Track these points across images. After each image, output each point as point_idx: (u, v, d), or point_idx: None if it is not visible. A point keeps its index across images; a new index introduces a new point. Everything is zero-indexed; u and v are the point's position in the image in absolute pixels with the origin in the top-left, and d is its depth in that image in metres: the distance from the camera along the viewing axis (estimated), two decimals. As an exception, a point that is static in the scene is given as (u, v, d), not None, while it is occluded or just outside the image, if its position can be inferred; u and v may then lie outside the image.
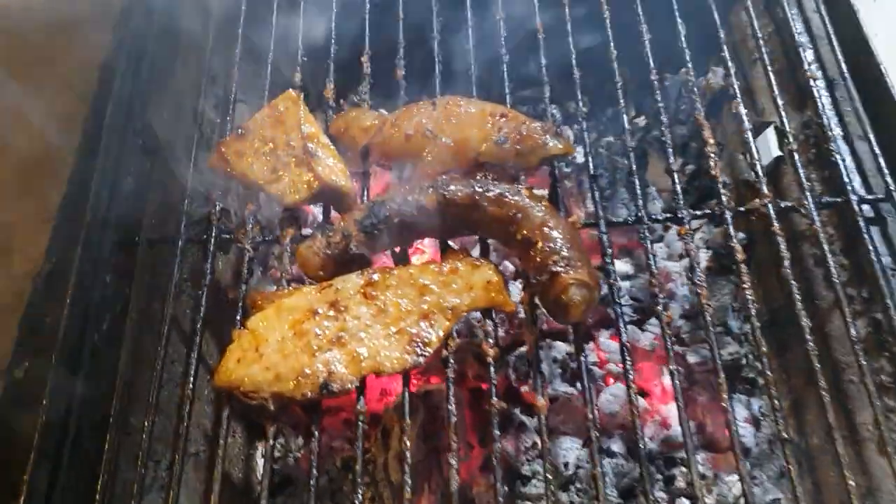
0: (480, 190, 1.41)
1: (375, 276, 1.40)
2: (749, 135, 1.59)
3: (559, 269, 1.32)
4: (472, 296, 1.40)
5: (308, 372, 1.31)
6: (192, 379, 1.38)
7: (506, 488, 1.59)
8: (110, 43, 3.02)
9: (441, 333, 1.36)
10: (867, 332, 1.45)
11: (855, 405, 1.46)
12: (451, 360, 1.36)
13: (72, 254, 1.54)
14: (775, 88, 1.64)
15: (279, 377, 1.31)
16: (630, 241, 1.88)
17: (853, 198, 1.48)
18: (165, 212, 1.60)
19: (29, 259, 2.72)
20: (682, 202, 1.51)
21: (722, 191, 1.53)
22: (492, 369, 1.36)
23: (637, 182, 1.54)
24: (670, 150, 1.57)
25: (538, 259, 1.35)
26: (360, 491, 1.27)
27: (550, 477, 1.35)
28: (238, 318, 1.42)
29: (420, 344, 1.35)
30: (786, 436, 1.29)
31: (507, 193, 1.40)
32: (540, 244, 1.36)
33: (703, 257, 1.82)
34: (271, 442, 1.33)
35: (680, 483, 1.62)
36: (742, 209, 1.52)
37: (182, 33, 1.84)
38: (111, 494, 1.33)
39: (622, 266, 1.86)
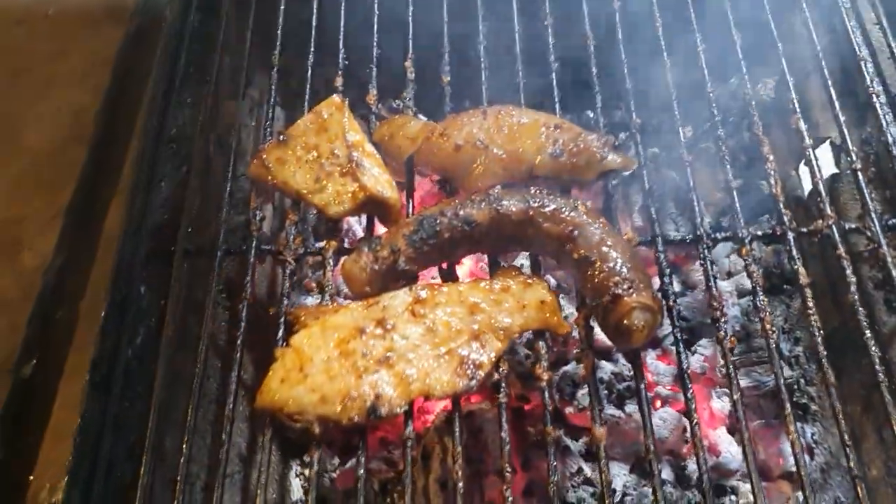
0: (535, 205, 1.35)
1: (424, 294, 1.34)
2: (811, 151, 1.53)
3: (621, 291, 1.26)
4: (524, 316, 1.34)
5: (355, 395, 1.25)
6: (232, 399, 1.31)
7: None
8: (123, 36, 2.95)
9: (493, 355, 1.30)
10: (935, 359, 1.39)
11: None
12: (504, 385, 1.30)
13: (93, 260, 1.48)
14: (836, 103, 1.58)
15: (325, 399, 1.25)
16: (677, 256, 1.82)
17: (921, 223, 1.42)
18: (202, 221, 1.54)
19: (38, 255, 2.67)
20: (741, 221, 1.45)
21: (781, 207, 1.47)
22: (546, 394, 1.29)
23: (695, 198, 1.48)
24: (728, 165, 1.51)
25: (597, 280, 1.29)
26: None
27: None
28: (280, 335, 1.35)
29: (472, 367, 1.29)
30: (855, 471, 1.24)
31: (563, 209, 1.34)
32: (599, 264, 1.30)
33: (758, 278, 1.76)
34: (315, 468, 1.26)
35: (730, 511, 1.57)
36: (805, 230, 1.46)
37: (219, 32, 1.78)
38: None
39: (674, 286, 1.80)
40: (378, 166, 1.47)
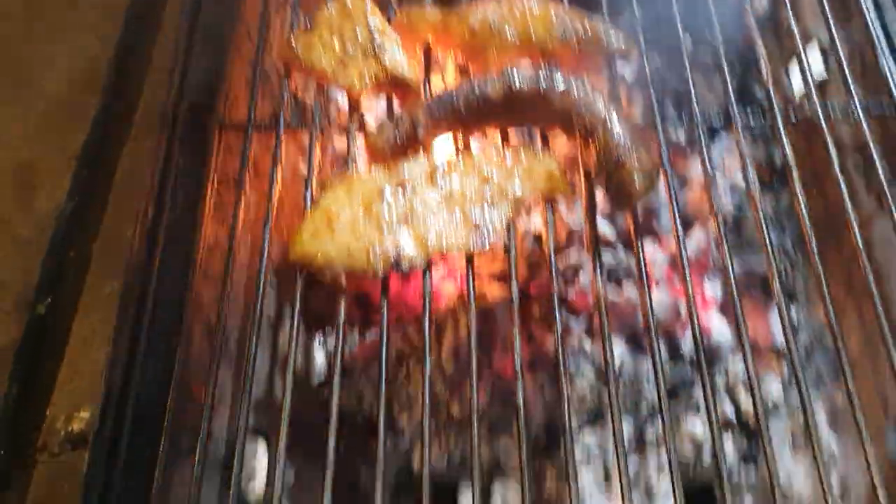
0: (546, 82, 1.45)
1: (441, 163, 1.45)
2: (800, 47, 1.64)
3: (623, 156, 1.37)
4: (534, 184, 1.45)
5: (378, 250, 1.36)
6: (263, 264, 1.41)
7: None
8: None
9: (504, 218, 1.41)
10: (911, 235, 1.50)
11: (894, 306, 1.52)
12: (514, 247, 1.41)
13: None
14: (824, 3, 1.68)
15: (351, 253, 1.36)
16: (677, 155, 1.93)
17: (897, 107, 1.54)
18: (233, 102, 1.64)
19: (52, 198, 2.77)
20: (735, 108, 1.56)
21: (773, 99, 1.58)
22: (553, 261, 1.40)
23: (693, 92, 1.59)
24: (724, 62, 1.62)
25: (601, 148, 1.40)
26: (429, 360, 1.31)
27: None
28: (308, 197, 1.46)
29: (484, 228, 1.40)
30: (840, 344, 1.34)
31: (572, 86, 1.45)
32: (603, 134, 1.41)
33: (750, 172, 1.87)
34: (342, 317, 1.36)
35: (719, 386, 1.69)
36: (793, 119, 1.57)
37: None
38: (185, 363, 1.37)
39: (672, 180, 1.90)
40: (398, 49, 1.58)
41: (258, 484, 1.40)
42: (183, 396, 1.35)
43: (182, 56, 1.61)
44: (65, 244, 2.50)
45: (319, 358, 1.78)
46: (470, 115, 1.47)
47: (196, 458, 1.26)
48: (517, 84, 1.46)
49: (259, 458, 1.43)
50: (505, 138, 1.54)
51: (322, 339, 1.80)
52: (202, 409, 1.30)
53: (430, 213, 1.41)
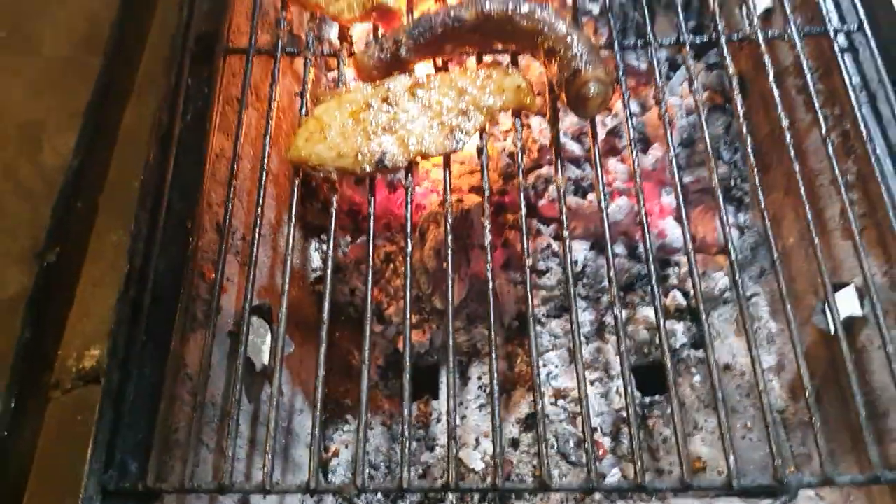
0: (513, 6, 1.64)
1: (422, 79, 1.64)
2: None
3: (580, 67, 1.56)
4: (504, 98, 1.64)
5: (365, 151, 1.56)
6: (265, 160, 1.61)
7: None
8: None
9: (476, 125, 1.60)
10: (838, 140, 1.70)
11: (825, 204, 1.72)
12: (485, 150, 1.61)
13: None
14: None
15: (341, 154, 1.56)
16: (637, 84, 2.12)
17: (830, 28, 1.72)
18: (235, 30, 1.83)
19: (59, 153, 2.92)
20: (685, 31, 1.75)
21: (719, 24, 1.77)
22: (520, 160, 1.60)
23: (647, 16, 1.78)
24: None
25: (563, 62, 1.59)
26: (409, 241, 1.51)
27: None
28: (302, 109, 1.65)
29: (459, 132, 1.59)
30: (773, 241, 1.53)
31: (536, 9, 1.64)
32: (564, 50, 1.60)
33: (702, 96, 2.07)
34: (334, 205, 1.56)
35: (672, 280, 1.90)
36: (737, 38, 1.76)
37: None
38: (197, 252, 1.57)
39: (634, 106, 2.10)
40: (384, -20, 1.77)
41: (263, 357, 1.60)
42: (196, 277, 1.55)
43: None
44: (72, 196, 2.65)
45: (315, 260, 1.99)
46: (446, 36, 1.66)
47: (208, 327, 1.46)
48: (488, 7, 1.65)
49: (262, 334, 1.63)
50: (479, 59, 1.73)
51: (318, 244, 2.01)
52: (213, 287, 1.51)
53: (411, 120, 1.60)
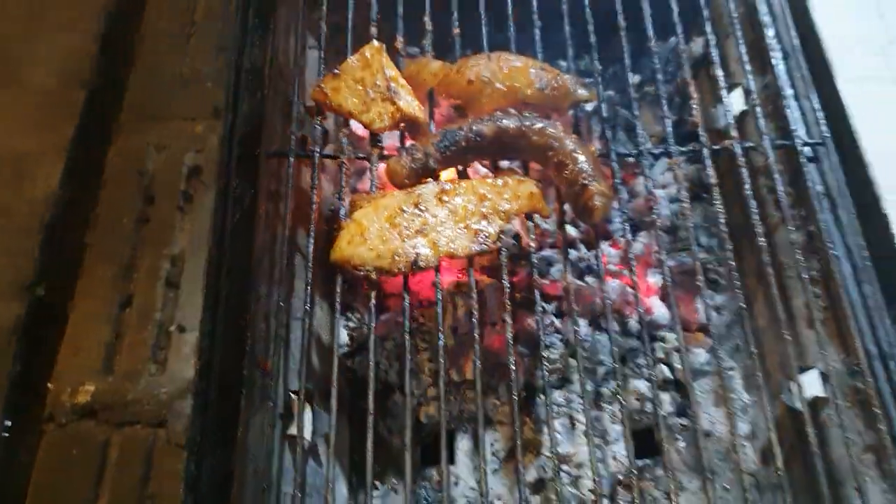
0: (528, 124, 1.88)
1: (448, 186, 1.87)
2: (724, 92, 2.09)
3: (587, 181, 1.81)
4: (519, 202, 1.87)
5: (401, 253, 1.78)
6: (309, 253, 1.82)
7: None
8: None
9: (497, 229, 1.84)
10: (803, 240, 1.96)
11: (792, 294, 1.99)
12: (504, 249, 1.84)
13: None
14: (744, 57, 2.13)
15: (380, 256, 1.78)
16: (626, 174, 2.38)
17: (798, 142, 2.00)
18: (274, 133, 2.04)
19: (46, 186, 3.04)
20: (672, 141, 2.01)
21: (701, 133, 2.03)
22: (533, 259, 1.84)
23: (638, 125, 2.04)
24: (664, 100, 2.06)
25: (570, 176, 1.83)
26: (441, 333, 1.74)
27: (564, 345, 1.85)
28: (343, 214, 1.87)
29: (482, 235, 1.83)
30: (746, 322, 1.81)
31: (547, 127, 1.88)
32: (571, 165, 1.85)
33: (683, 188, 2.33)
34: (373, 300, 1.78)
35: (659, 354, 2.16)
36: (716, 147, 2.03)
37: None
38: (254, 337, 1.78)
39: (622, 194, 2.34)
40: (409, 94, 1.99)
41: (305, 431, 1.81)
42: (252, 366, 1.76)
43: (231, 99, 1.98)
44: (60, 229, 2.78)
45: (343, 335, 2.20)
46: (469, 149, 1.89)
47: (268, 411, 1.67)
48: (504, 124, 1.89)
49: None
50: (495, 167, 1.97)
51: (345, 322, 2.22)
52: (266, 376, 1.72)
53: (440, 224, 1.83)
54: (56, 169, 3.20)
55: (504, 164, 2.00)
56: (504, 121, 1.88)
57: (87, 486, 1.89)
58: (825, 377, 1.81)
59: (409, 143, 1.97)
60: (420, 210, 1.83)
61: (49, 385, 2.68)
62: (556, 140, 1.86)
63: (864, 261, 1.84)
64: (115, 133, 3.44)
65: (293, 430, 1.74)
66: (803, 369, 1.87)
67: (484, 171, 2.05)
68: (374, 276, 1.77)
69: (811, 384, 1.85)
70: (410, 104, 1.96)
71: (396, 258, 1.77)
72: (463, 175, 1.96)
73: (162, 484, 1.92)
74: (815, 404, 1.85)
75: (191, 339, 2.36)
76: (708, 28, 2.18)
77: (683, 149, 2.03)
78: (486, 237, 1.82)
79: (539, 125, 1.88)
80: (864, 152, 1.91)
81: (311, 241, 1.84)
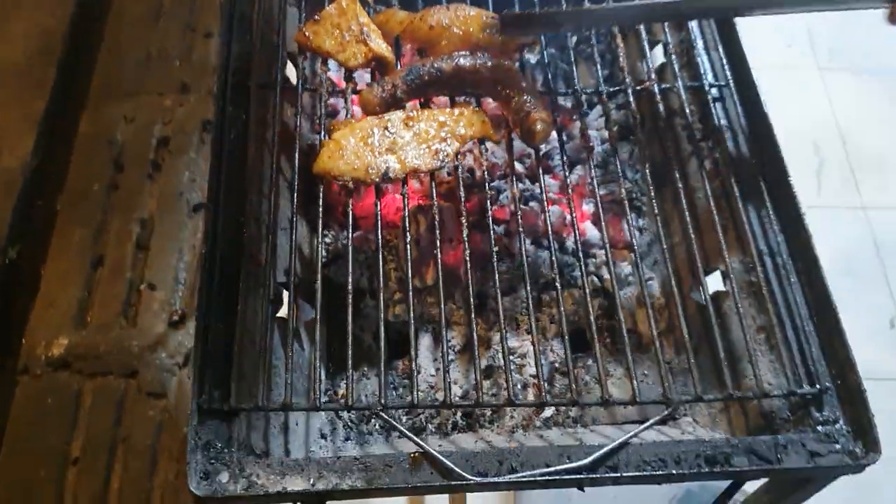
0: (481, 61, 2.22)
1: (413, 113, 2.18)
2: (646, 47, 2.47)
3: (530, 109, 2.15)
4: (472, 129, 2.19)
5: (373, 166, 2.09)
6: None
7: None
8: None
9: (454, 149, 2.15)
10: (711, 166, 2.34)
11: (699, 212, 2.36)
12: (460, 167, 2.18)
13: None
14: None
15: (355, 168, 2.07)
16: (565, 118, 2.74)
17: (706, 83, 2.38)
18: (263, 69, 2.34)
19: (17, 157, 3.32)
20: (603, 88, 2.38)
21: (627, 80, 2.40)
22: (486, 185, 2.18)
23: (575, 74, 2.40)
24: (598, 57, 2.43)
25: (516, 105, 2.18)
26: (407, 240, 2.05)
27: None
28: (322, 135, 2.18)
29: (442, 154, 2.15)
30: (664, 239, 2.17)
31: (499, 65, 2.23)
32: (517, 97, 2.19)
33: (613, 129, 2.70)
34: (351, 212, 2.10)
35: (591, 267, 2.52)
36: (639, 88, 2.40)
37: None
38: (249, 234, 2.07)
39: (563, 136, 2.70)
40: (379, 38, 2.31)
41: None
42: (248, 259, 2.05)
43: (227, 41, 2.28)
44: (31, 195, 3.06)
45: (321, 250, 2.51)
46: (430, 83, 2.22)
47: (259, 296, 1.98)
48: (461, 62, 2.23)
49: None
50: (453, 101, 2.30)
51: (322, 237, 2.52)
52: (261, 267, 2.02)
53: (406, 144, 2.15)
54: (28, 139, 3.47)
55: (460, 99, 2.33)
56: (461, 59, 2.22)
57: (62, 431, 2.18)
58: (725, 275, 2.17)
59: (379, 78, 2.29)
60: (389, 132, 2.15)
61: (23, 340, 2.97)
62: (506, 74, 2.21)
63: (758, 181, 2.21)
64: (86, 108, 3.74)
65: (282, 314, 2.04)
66: (708, 271, 2.24)
67: (444, 102, 2.36)
68: (350, 184, 2.08)
69: (714, 282, 2.22)
70: (380, 45, 2.29)
71: (370, 170, 2.08)
72: (425, 106, 2.29)
73: (133, 427, 2.24)
74: (718, 298, 2.22)
75: (160, 296, 2.68)
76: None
77: (612, 89, 2.40)
78: (445, 156, 2.15)
79: (491, 63, 2.22)
80: (760, 91, 2.30)
81: (297, 161, 2.14)
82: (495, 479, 1.66)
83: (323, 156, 2.09)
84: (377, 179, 2.06)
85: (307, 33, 2.30)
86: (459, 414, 2.24)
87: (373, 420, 2.24)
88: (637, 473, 1.72)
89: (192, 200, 3.44)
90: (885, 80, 4.43)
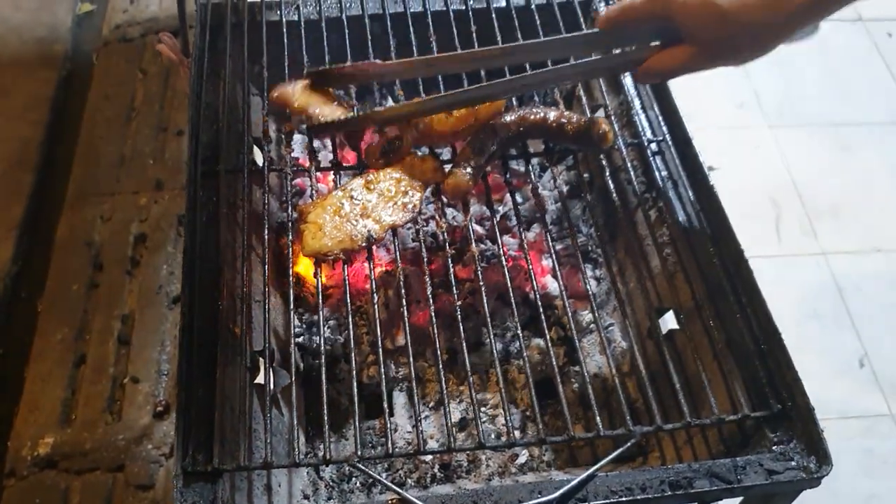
0: (525, 112, 2.35)
1: (370, 177, 2.31)
2: (587, 112, 2.67)
3: (589, 119, 2.28)
4: (427, 175, 2.31)
5: (355, 233, 2.17)
6: (265, 250, 2.27)
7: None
8: (56, 79, 3.79)
9: (418, 198, 2.26)
10: (655, 216, 2.50)
11: (650, 258, 2.51)
12: (420, 219, 2.30)
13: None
14: (603, 87, 2.72)
15: (341, 241, 2.15)
16: (518, 181, 2.91)
17: (645, 140, 2.57)
18: (231, 156, 2.49)
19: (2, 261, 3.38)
20: (554, 151, 2.55)
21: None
22: (444, 236, 2.32)
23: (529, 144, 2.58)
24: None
25: (576, 122, 2.29)
26: (376, 305, 2.17)
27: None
28: (293, 219, 2.29)
29: (410, 206, 2.25)
30: (619, 286, 2.32)
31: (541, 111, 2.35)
32: (568, 118, 2.31)
33: (564, 189, 2.88)
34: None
35: (553, 319, 2.65)
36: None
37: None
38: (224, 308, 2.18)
39: (518, 198, 2.87)
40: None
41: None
42: (225, 332, 2.15)
43: (195, 132, 2.44)
44: (12, 300, 3.12)
45: (295, 319, 2.62)
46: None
47: (237, 364, 2.08)
48: (515, 118, 2.35)
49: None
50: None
51: (296, 311, 2.64)
52: (238, 339, 2.13)
53: (376, 206, 2.22)
54: (7, 246, 3.59)
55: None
56: (510, 116, 2.35)
57: (50, 530, 2.10)
58: (677, 314, 2.31)
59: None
60: (357, 200, 2.28)
61: (8, 444, 3.02)
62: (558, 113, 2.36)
63: (700, 222, 2.37)
64: (64, 210, 3.87)
65: (259, 380, 2.14)
66: (662, 312, 2.37)
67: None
68: (342, 256, 2.18)
69: (668, 322, 2.35)
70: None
71: (354, 237, 2.18)
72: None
73: (122, 520, 2.26)
74: (673, 336, 2.35)
75: (144, 388, 2.74)
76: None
77: (560, 151, 2.58)
78: (413, 207, 2.26)
79: (533, 111, 2.38)
80: (694, 143, 2.48)
81: (266, 238, 2.27)
82: (470, 519, 1.74)
83: (307, 239, 2.19)
84: (364, 244, 2.17)
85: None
86: (437, 467, 2.32)
87: (353, 478, 2.32)
88: (606, 502, 1.81)
89: (172, 293, 3.54)
90: (831, 131, 4.67)
